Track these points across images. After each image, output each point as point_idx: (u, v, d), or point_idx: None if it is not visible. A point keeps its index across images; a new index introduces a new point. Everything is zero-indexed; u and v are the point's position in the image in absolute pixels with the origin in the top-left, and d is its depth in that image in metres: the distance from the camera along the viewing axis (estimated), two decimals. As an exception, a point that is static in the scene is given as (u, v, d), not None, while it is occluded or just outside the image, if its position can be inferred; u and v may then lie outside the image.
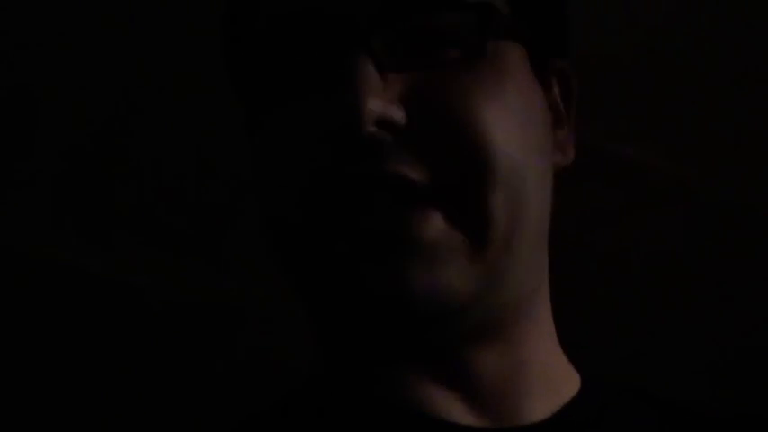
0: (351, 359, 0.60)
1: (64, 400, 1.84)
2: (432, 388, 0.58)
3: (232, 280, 1.75)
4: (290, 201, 0.56)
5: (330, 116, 0.54)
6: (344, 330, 0.59)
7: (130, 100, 1.56)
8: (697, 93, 1.54)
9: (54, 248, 1.70)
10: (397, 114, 0.54)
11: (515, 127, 0.56)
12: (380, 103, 0.53)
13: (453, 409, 0.58)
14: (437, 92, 0.55)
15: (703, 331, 1.80)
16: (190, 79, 1.51)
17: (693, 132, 1.59)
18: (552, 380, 0.61)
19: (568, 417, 0.60)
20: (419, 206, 0.54)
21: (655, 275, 1.74)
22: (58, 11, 1.46)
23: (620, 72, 1.51)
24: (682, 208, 1.67)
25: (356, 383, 0.60)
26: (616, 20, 1.46)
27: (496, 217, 0.55)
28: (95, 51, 1.50)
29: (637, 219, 1.68)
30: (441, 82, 0.55)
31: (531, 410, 0.59)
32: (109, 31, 1.48)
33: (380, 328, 0.56)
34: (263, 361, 1.83)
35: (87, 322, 1.77)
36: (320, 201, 0.55)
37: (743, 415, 0.65)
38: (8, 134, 1.59)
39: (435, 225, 0.54)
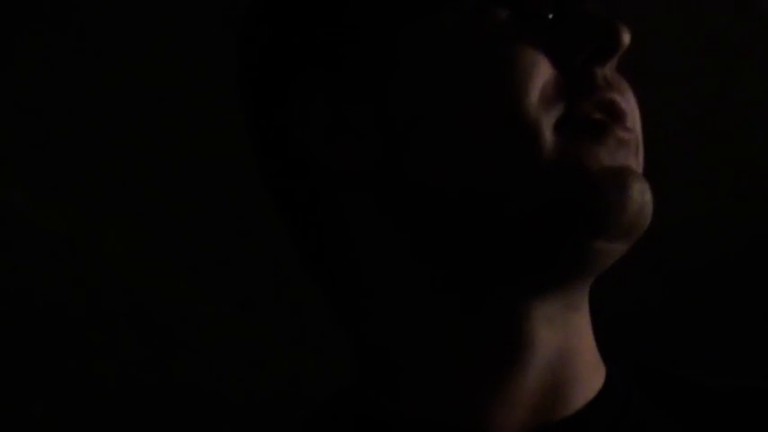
0: (402, 367, 0.61)
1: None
2: (477, 396, 0.59)
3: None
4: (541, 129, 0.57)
5: (579, 43, 0.59)
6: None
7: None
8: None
9: None
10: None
11: None
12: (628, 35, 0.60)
13: (498, 415, 0.59)
14: None
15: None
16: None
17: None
18: (589, 369, 0.63)
19: (597, 409, 0.61)
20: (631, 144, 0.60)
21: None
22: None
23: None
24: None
25: (394, 396, 0.61)
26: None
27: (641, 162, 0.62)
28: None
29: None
30: None
31: (570, 401, 0.61)
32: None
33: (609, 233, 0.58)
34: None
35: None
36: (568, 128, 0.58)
37: (760, 386, 0.66)
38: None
39: (636, 161, 0.61)
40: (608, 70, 0.60)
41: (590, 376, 0.63)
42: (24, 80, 1.52)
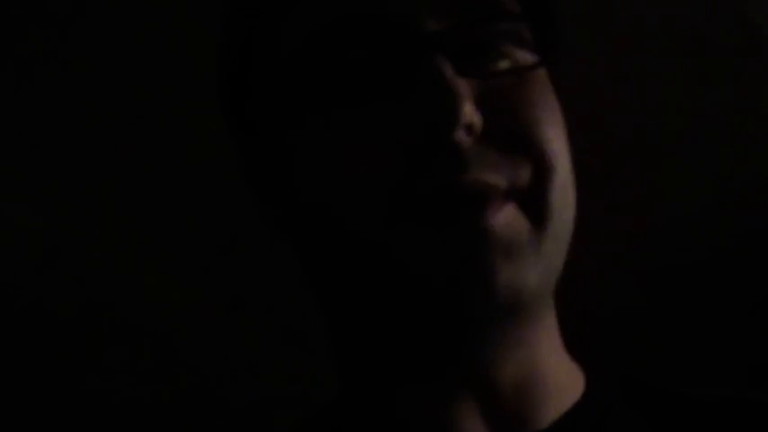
0: (377, 378, 0.61)
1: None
2: (451, 407, 0.59)
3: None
4: (371, 214, 0.56)
5: (416, 120, 0.55)
6: (390, 340, 0.59)
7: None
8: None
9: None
10: (479, 119, 0.56)
11: (562, 136, 0.60)
12: (471, 107, 0.55)
13: (472, 425, 0.59)
14: (504, 102, 0.57)
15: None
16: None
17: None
18: (560, 385, 0.62)
19: (571, 421, 0.61)
20: (495, 203, 0.56)
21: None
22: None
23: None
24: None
25: (376, 406, 0.61)
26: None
27: (555, 214, 0.58)
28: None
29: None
30: (504, 92, 0.58)
31: (541, 419, 0.60)
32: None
33: (447, 323, 0.56)
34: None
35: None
36: (403, 213, 0.56)
37: (746, 396, 0.66)
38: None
39: (508, 215, 0.56)
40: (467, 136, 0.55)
41: (563, 387, 0.62)
42: (17, 83, 1.52)
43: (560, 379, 0.63)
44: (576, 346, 0.65)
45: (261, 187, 0.66)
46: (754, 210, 1.90)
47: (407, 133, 0.55)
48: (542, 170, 0.57)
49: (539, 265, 0.56)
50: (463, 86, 0.54)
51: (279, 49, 0.60)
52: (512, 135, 0.57)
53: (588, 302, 1.78)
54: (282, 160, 0.61)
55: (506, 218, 0.56)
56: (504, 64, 0.58)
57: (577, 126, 0.63)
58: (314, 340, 0.98)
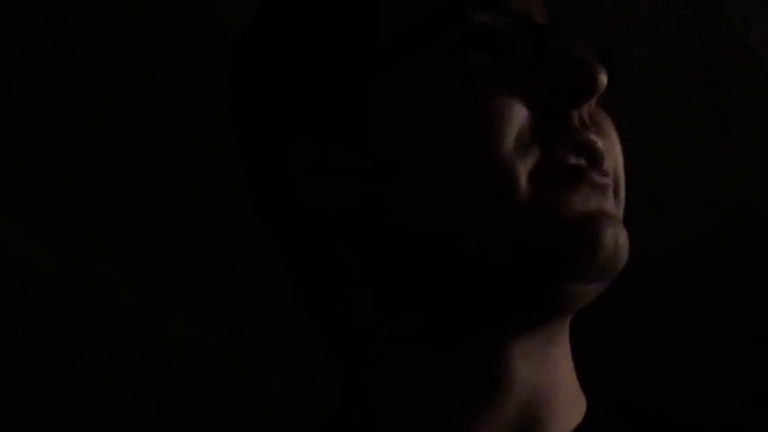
0: (385, 395, 0.61)
1: None
2: (458, 423, 0.59)
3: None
4: (505, 175, 0.57)
5: (556, 82, 0.58)
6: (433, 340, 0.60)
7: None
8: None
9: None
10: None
11: None
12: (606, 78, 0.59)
13: None
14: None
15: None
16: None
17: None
18: (567, 405, 0.63)
19: None
20: (607, 188, 0.59)
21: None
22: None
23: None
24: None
25: (377, 423, 0.61)
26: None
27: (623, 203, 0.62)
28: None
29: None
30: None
31: None
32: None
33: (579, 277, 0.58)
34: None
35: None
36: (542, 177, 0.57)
37: (747, 422, 0.66)
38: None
39: (613, 203, 0.60)
40: (587, 109, 0.60)
41: (569, 409, 0.63)
42: (10, 100, 1.52)
43: (568, 400, 0.63)
44: (578, 367, 0.65)
45: (286, 180, 0.63)
46: (756, 235, 1.90)
47: (544, 96, 0.58)
48: (621, 164, 0.62)
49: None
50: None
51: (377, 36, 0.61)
52: (603, 124, 0.61)
53: (591, 325, 1.78)
54: (365, 120, 0.60)
55: (611, 201, 0.60)
56: None
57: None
58: (318, 367, 0.98)
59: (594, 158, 0.59)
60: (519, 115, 0.57)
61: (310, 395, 1.76)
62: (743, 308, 1.96)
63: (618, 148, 0.61)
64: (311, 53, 0.62)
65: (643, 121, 1.66)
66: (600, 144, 0.59)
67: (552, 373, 0.62)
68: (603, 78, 0.58)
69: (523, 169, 0.57)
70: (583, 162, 0.58)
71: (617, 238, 0.58)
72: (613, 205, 0.60)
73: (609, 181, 0.60)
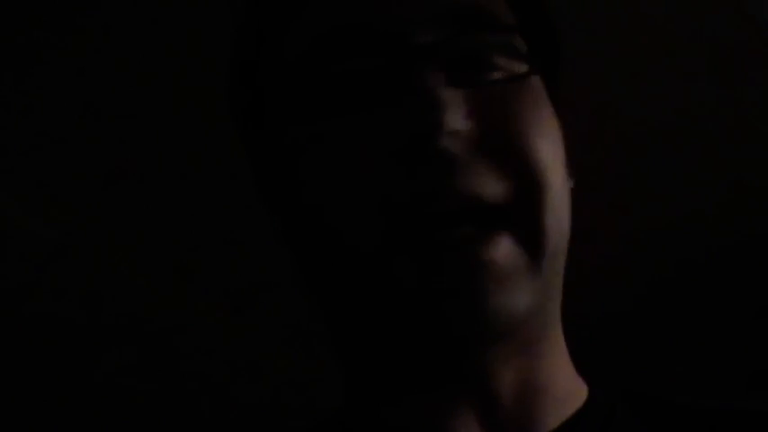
0: (380, 387, 0.61)
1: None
2: (453, 416, 0.59)
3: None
4: (364, 227, 0.56)
5: (401, 129, 0.55)
6: (389, 354, 0.59)
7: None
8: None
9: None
10: (467, 127, 0.56)
11: (556, 152, 0.59)
12: (457, 115, 0.55)
13: None
14: (495, 112, 0.57)
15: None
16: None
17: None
18: (562, 394, 0.62)
19: (575, 427, 0.61)
20: (491, 230, 0.56)
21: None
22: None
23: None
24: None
25: (378, 414, 0.61)
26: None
27: (550, 233, 0.57)
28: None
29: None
30: (495, 103, 0.58)
31: (542, 427, 0.60)
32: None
33: (441, 347, 0.56)
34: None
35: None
36: (396, 232, 0.56)
37: (749, 407, 0.65)
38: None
39: (505, 247, 0.56)
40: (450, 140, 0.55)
41: (566, 397, 0.62)
42: (20, 84, 1.52)
43: (563, 389, 0.62)
44: (578, 354, 0.65)
45: (266, 191, 0.66)
46: (763, 210, 1.89)
47: (394, 140, 0.56)
48: (531, 184, 0.57)
49: (535, 286, 0.57)
50: (450, 95, 0.55)
51: (285, 53, 0.61)
52: (502, 146, 0.57)
53: (591, 307, 1.77)
54: (285, 165, 0.61)
55: (503, 250, 0.55)
56: (497, 75, 0.58)
57: (589, 126, 0.62)
58: (319, 344, 0.98)
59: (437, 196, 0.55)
60: (376, 176, 0.56)
61: (311, 369, 1.76)
62: (744, 285, 1.96)
63: (528, 150, 0.57)
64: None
65: (654, 95, 1.65)
66: (469, 183, 0.55)
67: (540, 367, 0.61)
68: (445, 117, 0.54)
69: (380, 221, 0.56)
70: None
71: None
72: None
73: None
